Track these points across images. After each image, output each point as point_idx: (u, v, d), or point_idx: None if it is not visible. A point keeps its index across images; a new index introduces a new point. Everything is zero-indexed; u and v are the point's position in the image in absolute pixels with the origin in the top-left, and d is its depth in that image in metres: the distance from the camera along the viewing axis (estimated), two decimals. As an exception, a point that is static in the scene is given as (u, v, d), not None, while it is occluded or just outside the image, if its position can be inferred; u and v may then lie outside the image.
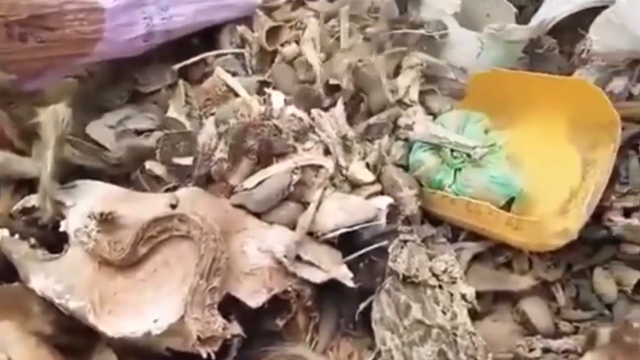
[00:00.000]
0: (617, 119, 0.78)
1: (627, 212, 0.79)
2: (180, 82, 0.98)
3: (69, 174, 0.86)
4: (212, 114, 0.94)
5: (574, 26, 1.01)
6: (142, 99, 1.02)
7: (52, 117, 0.80)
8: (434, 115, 0.88)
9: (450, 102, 0.91)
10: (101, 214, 0.75)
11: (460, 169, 0.81)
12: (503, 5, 1.00)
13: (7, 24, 0.79)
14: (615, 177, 0.80)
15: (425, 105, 0.91)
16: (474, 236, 0.84)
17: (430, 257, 0.80)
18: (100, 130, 0.94)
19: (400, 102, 0.89)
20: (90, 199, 0.81)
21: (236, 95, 0.96)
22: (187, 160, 0.89)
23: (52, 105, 0.82)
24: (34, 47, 0.84)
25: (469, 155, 0.80)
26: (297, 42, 1.04)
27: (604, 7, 0.95)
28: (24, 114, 0.84)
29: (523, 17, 1.05)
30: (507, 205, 0.80)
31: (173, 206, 0.78)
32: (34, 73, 0.89)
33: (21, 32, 0.82)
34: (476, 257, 0.83)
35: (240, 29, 1.03)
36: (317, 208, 0.78)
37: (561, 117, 0.83)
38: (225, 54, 1.03)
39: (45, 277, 0.75)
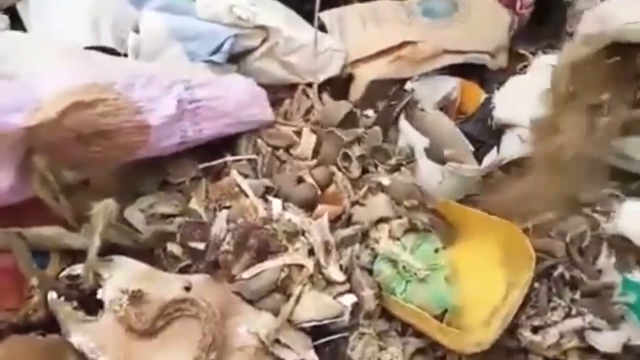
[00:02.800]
0: (533, 257, 1.01)
1: (535, 329, 1.02)
2: (203, 180, 1.22)
3: (106, 249, 1.10)
4: (225, 207, 1.18)
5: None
6: (170, 187, 1.24)
7: (103, 210, 1.05)
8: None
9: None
10: (132, 292, 0.98)
11: (409, 281, 1.04)
12: (463, 144, 1.25)
13: (78, 136, 1.05)
14: (527, 300, 1.02)
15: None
16: (418, 333, 1.05)
17: (381, 349, 1.02)
18: (134, 214, 1.17)
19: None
20: (123, 274, 1.04)
21: (246, 195, 1.21)
22: (200, 245, 1.12)
23: (102, 197, 1.07)
24: (93, 150, 1.09)
25: (416, 273, 1.03)
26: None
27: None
28: (79, 202, 1.08)
29: (482, 151, 1.30)
30: (442, 314, 1.02)
31: (187, 288, 1.02)
32: (88, 166, 1.13)
33: (86, 140, 1.07)
34: (419, 351, 1.05)
35: (257, 138, 1.28)
36: (297, 302, 1.01)
37: (493, 246, 1.07)
38: (241, 160, 1.27)
39: (82, 335, 0.96)
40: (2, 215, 1.03)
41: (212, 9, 1.39)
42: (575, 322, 1.02)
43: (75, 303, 1.01)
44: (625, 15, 1.04)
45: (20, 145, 1.02)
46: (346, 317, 1.01)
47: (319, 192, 1.21)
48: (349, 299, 1.04)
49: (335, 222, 1.15)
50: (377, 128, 1.28)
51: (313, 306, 1.00)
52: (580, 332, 1.02)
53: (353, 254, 1.10)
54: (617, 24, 1.04)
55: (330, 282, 1.07)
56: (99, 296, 1.01)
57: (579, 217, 1.13)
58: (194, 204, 1.20)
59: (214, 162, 1.24)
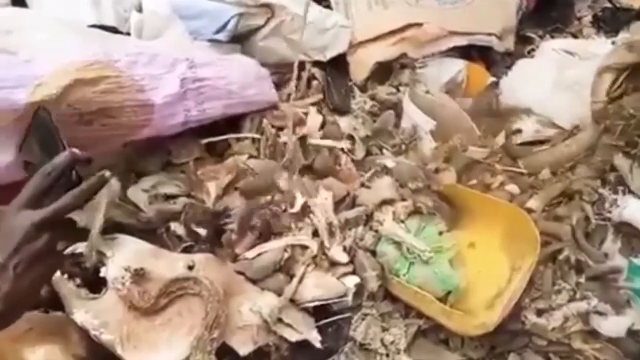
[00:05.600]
0: (538, 240, 1.00)
1: (539, 312, 1.02)
2: (207, 160, 1.21)
3: (110, 227, 1.09)
4: (228, 187, 1.18)
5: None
6: (173, 168, 1.24)
7: (106, 188, 1.03)
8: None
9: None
10: (135, 270, 0.98)
11: (413, 263, 1.04)
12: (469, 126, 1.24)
13: (80, 114, 1.04)
14: (532, 283, 1.02)
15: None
16: (421, 315, 1.05)
17: (384, 330, 1.02)
18: (137, 194, 1.17)
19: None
20: (126, 252, 1.03)
21: (251, 174, 1.19)
22: (202, 230, 1.11)
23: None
24: (96, 129, 1.07)
25: (420, 255, 1.02)
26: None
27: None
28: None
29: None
30: (446, 296, 1.02)
31: (190, 267, 1.01)
32: (91, 146, 1.12)
33: (89, 119, 1.06)
34: (421, 333, 1.05)
35: (261, 119, 1.26)
36: (300, 282, 1.01)
37: (497, 229, 1.06)
38: (245, 138, 1.26)
39: (85, 312, 0.96)
40: (2, 193, 1.02)
41: (216, -13, 1.37)
42: (580, 306, 1.01)
43: (78, 281, 1.01)
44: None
45: (21, 122, 1.00)
46: (349, 297, 1.01)
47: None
48: (352, 280, 1.04)
49: (339, 203, 1.14)
50: (390, 112, 1.27)
51: (316, 286, 1.00)
52: (584, 316, 1.02)
53: (357, 235, 1.09)
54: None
55: (333, 263, 1.06)
56: (102, 274, 1.01)
57: (583, 203, 1.12)
58: (197, 184, 1.19)
59: (217, 138, 1.22)
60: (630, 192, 1.09)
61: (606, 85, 1.11)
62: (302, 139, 1.22)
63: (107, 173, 0.69)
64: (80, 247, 1.04)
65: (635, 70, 1.09)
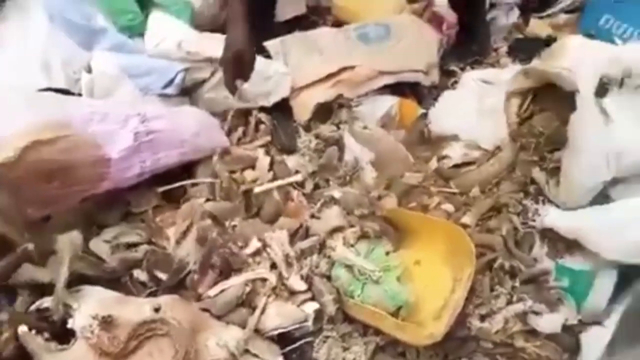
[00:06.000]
0: (473, 251, 1.11)
1: (482, 318, 1.12)
2: (165, 207, 1.27)
3: (75, 280, 1.13)
4: (187, 231, 1.24)
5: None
6: (133, 217, 1.29)
7: (68, 242, 1.08)
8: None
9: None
10: (103, 317, 1.02)
11: (366, 284, 1.12)
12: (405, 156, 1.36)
13: (39, 173, 1.09)
14: (473, 291, 1.12)
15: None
16: (379, 332, 1.13)
17: (345, 349, 1.10)
18: (99, 245, 1.21)
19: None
20: (92, 302, 1.07)
21: (209, 217, 1.26)
22: (164, 276, 1.17)
23: (66, 231, 1.11)
24: (56, 186, 1.12)
25: (370, 275, 1.11)
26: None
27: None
28: (44, 237, 1.11)
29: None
30: (397, 311, 1.11)
31: (156, 310, 1.06)
32: (52, 203, 1.17)
33: (48, 177, 1.11)
34: (380, 348, 1.12)
35: (214, 163, 1.34)
36: (262, 312, 1.08)
37: (439, 246, 1.17)
38: (199, 183, 1.33)
39: (56, 363, 1.00)
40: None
41: (161, 46, 1.46)
42: (517, 307, 1.12)
43: (46, 335, 1.03)
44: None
45: (-18, 185, 1.05)
46: (310, 323, 1.08)
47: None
48: (311, 306, 1.11)
49: (294, 235, 1.22)
50: (333, 148, 1.37)
51: (278, 315, 1.07)
52: (522, 316, 1.12)
53: (312, 263, 1.17)
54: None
55: (292, 292, 1.14)
56: (69, 326, 1.04)
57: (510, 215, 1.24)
58: (156, 231, 1.25)
59: (173, 185, 1.29)
60: (549, 201, 1.22)
61: (514, 108, 1.26)
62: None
63: (30, 246, 0.72)
64: (46, 302, 1.07)
65: (539, 93, 1.25)
